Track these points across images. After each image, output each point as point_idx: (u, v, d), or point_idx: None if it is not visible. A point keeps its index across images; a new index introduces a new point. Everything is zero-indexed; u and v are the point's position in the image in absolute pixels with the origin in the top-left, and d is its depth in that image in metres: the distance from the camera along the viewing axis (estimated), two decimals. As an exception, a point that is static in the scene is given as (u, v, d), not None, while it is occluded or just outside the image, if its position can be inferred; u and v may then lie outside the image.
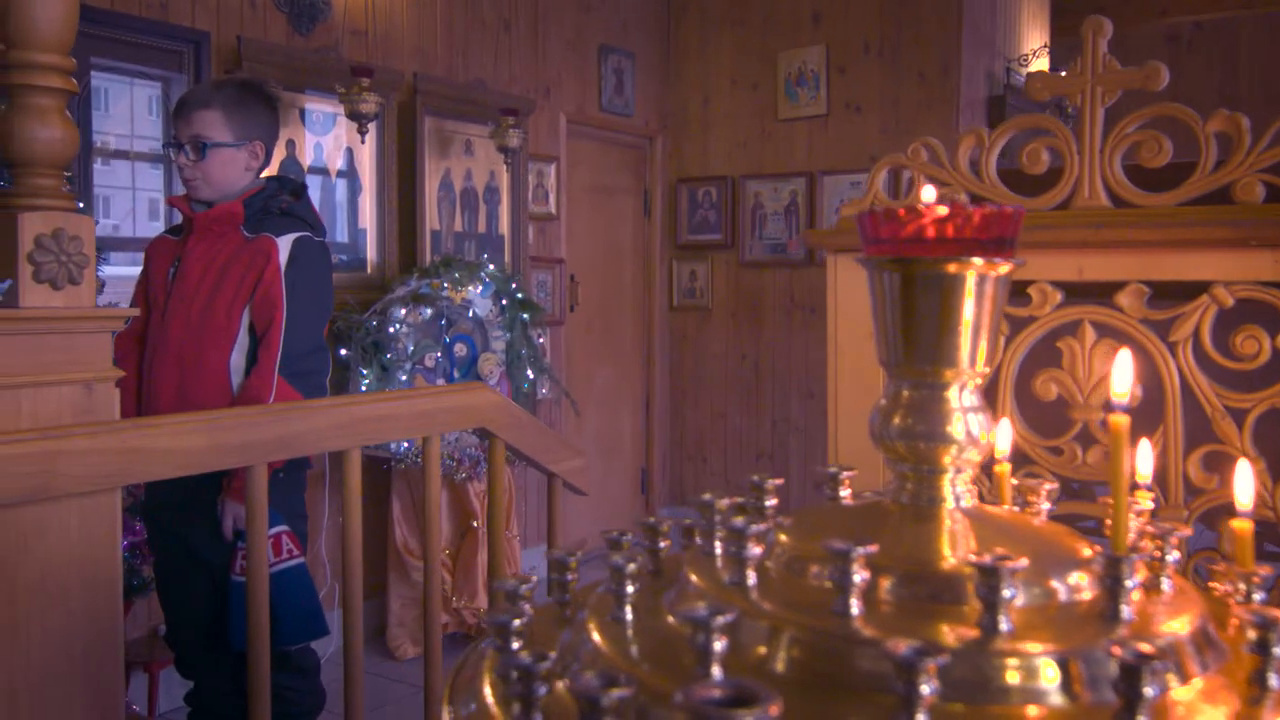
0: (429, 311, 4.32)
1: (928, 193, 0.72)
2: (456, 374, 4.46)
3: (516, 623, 0.70)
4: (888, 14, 5.47)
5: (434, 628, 2.38)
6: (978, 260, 0.69)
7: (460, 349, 4.49)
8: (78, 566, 1.78)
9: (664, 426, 6.32)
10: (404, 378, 4.19)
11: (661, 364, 6.30)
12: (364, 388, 4.10)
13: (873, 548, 0.63)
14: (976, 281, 0.71)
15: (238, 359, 2.58)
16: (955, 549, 0.71)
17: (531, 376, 4.63)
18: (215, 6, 3.93)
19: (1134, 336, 1.41)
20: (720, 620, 0.60)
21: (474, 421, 2.44)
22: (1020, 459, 1.49)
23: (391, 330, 4.18)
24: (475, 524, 4.41)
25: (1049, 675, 0.61)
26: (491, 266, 4.61)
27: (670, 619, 0.73)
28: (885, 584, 0.67)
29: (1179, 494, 1.42)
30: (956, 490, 0.74)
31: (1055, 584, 0.68)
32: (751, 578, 0.68)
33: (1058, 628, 0.64)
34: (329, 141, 4.35)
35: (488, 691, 0.72)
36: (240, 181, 2.64)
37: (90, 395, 1.79)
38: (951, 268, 0.70)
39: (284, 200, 2.67)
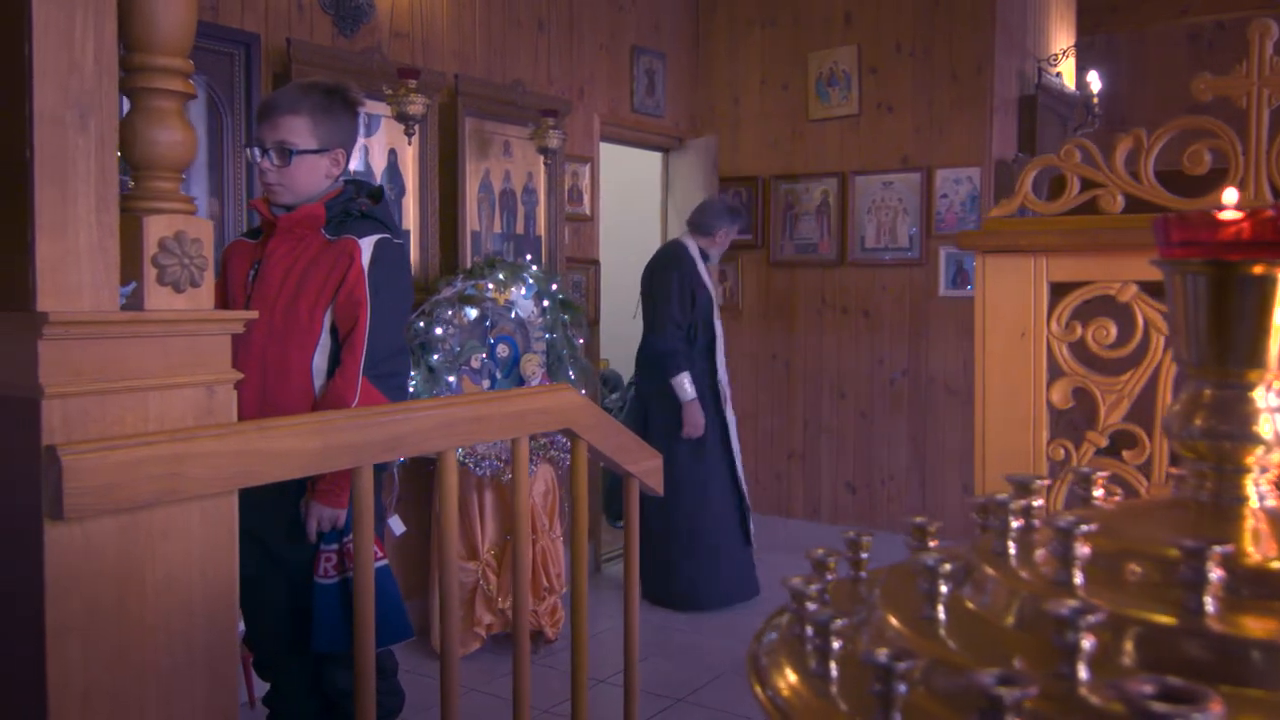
0: (474, 313, 4.32)
1: (1229, 195, 0.73)
2: (499, 375, 4.47)
3: (840, 623, 0.70)
4: (920, 14, 5.47)
5: (522, 634, 2.37)
6: (1290, 262, 0.71)
7: (503, 350, 4.49)
8: (199, 569, 1.79)
9: (693, 426, 6.31)
10: (452, 379, 4.20)
11: (691, 364, 6.29)
12: (412, 389, 4.10)
13: (1229, 547, 0.64)
14: (1287, 283, 0.72)
15: (320, 361, 2.58)
16: (1263, 547, 0.73)
17: (572, 377, 4.64)
18: (263, 9, 3.93)
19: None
20: (1090, 619, 0.61)
21: (561, 423, 2.44)
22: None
23: (438, 331, 4.18)
24: (520, 525, 4.41)
25: None
26: (535, 268, 4.61)
27: (970, 606, 0.74)
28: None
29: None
30: (1260, 489, 0.76)
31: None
32: (1079, 577, 0.69)
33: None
34: (373, 144, 4.35)
35: (792, 678, 0.73)
36: (320, 186, 2.64)
37: (212, 398, 1.79)
38: (1264, 270, 0.71)
39: (363, 203, 2.68)
